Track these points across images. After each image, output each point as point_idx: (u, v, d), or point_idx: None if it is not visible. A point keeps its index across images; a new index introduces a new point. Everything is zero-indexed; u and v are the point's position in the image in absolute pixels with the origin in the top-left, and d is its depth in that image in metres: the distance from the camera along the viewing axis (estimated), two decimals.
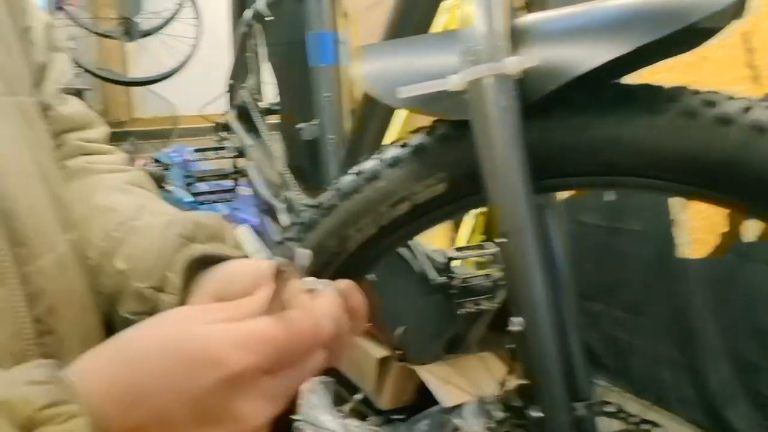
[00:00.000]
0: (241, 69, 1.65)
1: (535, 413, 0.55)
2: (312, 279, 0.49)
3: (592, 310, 1.74)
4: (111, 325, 0.63)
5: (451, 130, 0.59)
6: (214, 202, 1.55)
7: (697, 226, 1.48)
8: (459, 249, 1.11)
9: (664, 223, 1.53)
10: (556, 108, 0.53)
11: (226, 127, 1.62)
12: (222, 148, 1.45)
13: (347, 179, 0.64)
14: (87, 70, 2.95)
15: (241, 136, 1.49)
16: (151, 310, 0.54)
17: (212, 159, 1.42)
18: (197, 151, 1.40)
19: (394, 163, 0.61)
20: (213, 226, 0.60)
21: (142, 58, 3.26)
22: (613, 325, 1.68)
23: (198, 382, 0.37)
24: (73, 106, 0.74)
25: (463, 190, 0.59)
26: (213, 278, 0.54)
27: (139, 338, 0.40)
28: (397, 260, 1.23)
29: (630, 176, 0.52)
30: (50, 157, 0.62)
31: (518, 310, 0.54)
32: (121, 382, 0.37)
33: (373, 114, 0.95)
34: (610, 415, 0.68)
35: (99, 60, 3.24)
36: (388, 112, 0.97)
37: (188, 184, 1.37)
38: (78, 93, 3.32)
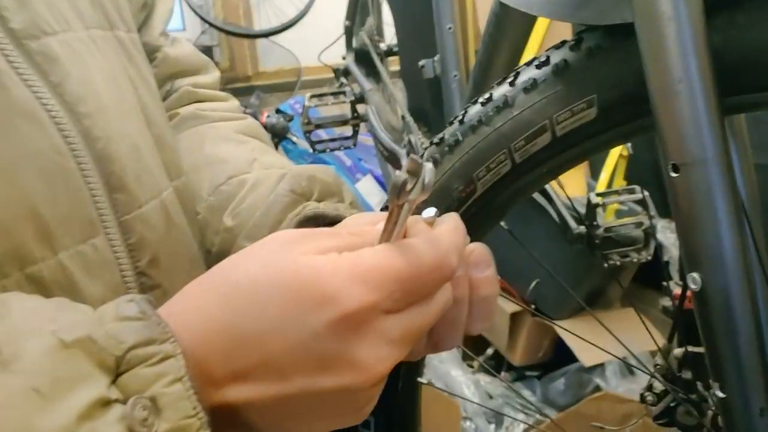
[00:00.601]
0: (358, 9, 1.57)
1: (718, 392, 0.44)
2: (430, 209, 0.39)
3: None
4: None
5: (605, 39, 0.47)
6: (334, 149, 1.48)
7: None
8: (601, 194, 0.97)
9: None
10: None
11: (346, 73, 1.55)
12: (341, 93, 1.37)
13: (474, 110, 0.54)
14: (212, 25, 2.99)
15: (360, 80, 1.41)
16: None
17: (330, 105, 1.36)
18: (313, 96, 1.33)
19: (531, 86, 0.50)
20: (328, 182, 0.54)
21: (266, 10, 3.27)
22: None
23: (308, 322, 0.31)
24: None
25: (618, 115, 0.48)
26: None
27: (240, 271, 0.34)
28: (531, 206, 1.12)
29: None
30: (155, 97, 0.57)
31: (698, 264, 0.42)
32: (220, 320, 0.32)
33: (503, 38, 0.83)
34: None
35: (224, 15, 3.29)
36: (522, 34, 0.84)
37: (306, 132, 1.31)
38: (206, 49, 3.44)
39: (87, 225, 0.43)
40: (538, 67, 0.50)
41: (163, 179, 0.53)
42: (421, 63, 1.09)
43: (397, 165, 1.21)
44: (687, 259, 0.43)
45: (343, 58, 1.59)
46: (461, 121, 0.55)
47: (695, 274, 0.42)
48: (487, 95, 0.53)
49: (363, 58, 1.49)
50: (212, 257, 0.55)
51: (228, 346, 0.31)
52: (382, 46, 1.44)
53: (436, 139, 0.57)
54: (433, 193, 0.56)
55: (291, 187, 0.52)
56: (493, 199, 0.55)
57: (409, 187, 0.32)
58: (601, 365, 1.59)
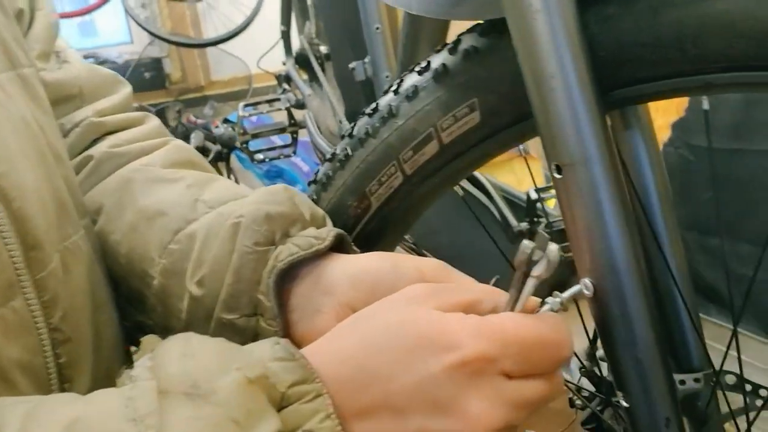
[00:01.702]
0: (297, 13, 1.53)
1: (622, 402, 0.41)
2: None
3: (712, 245, 1.52)
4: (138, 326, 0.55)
5: (480, 40, 0.44)
6: (273, 159, 1.44)
7: None
8: (541, 189, 0.95)
9: None
10: None
11: (288, 79, 1.52)
12: (276, 100, 1.34)
13: (362, 122, 0.52)
14: (158, 37, 2.93)
15: (299, 85, 1.38)
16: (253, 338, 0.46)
17: (265, 113, 1.32)
18: (247, 105, 1.29)
19: (413, 93, 0.48)
20: (285, 213, 0.48)
21: (213, 19, 3.21)
22: (738, 261, 1.46)
23: (429, 365, 0.34)
24: (70, 71, 0.60)
25: (503, 118, 0.45)
26: (336, 283, 0.46)
27: (377, 319, 0.37)
28: (473, 205, 1.10)
29: (739, 71, 0.36)
30: (59, 134, 0.53)
31: (588, 268, 0.40)
32: (355, 359, 0.35)
33: (419, 36, 0.81)
34: (730, 388, 0.53)
35: (171, 26, 3.24)
36: (438, 30, 0.82)
37: (242, 143, 1.27)
38: (156, 61, 3.39)
39: (7, 288, 0.41)
40: (419, 73, 0.48)
41: (74, 223, 0.49)
42: (351, 65, 1.07)
43: None
44: (578, 264, 0.41)
45: (284, 64, 1.55)
46: (351, 135, 0.52)
47: (587, 280, 0.40)
48: (373, 106, 0.51)
49: (303, 62, 1.46)
50: (182, 324, 0.49)
51: (358, 383, 0.34)
52: (322, 49, 1.41)
53: (328, 155, 0.54)
54: (329, 211, 0.54)
55: (252, 240, 0.46)
56: (390, 213, 0.53)
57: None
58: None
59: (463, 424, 0.33)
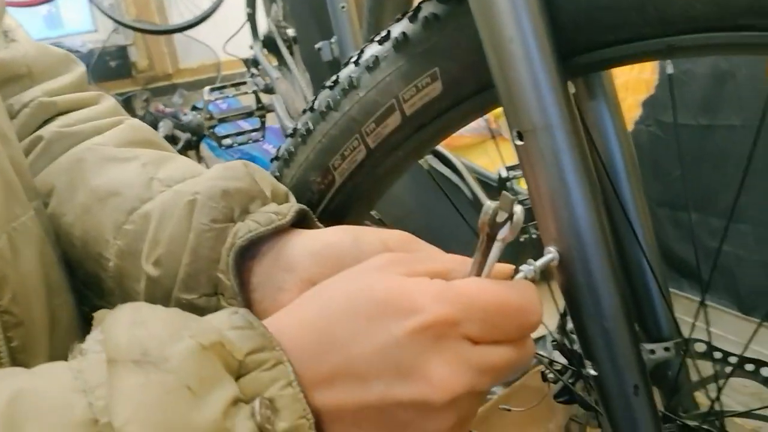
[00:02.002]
0: None
1: (590, 371, 0.41)
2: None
3: (684, 220, 1.54)
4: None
5: (439, 6, 0.43)
6: (242, 144, 1.42)
7: None
8: (512, 167, 0.94)
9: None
10: None
11: (256, 63, 1.49)
12: (243, 83, 1.31)
13: (323, 95, 0.50)
14: (122, 24, 2.86)
15: (267, 69, 1.35)
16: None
17: (232, 97, 1.29)
18: (213, 90, 1.26)
19: (374, 64, 0.47)
20: (243, 188, 0.46)
21: (179, 5, 3.14)
22: (710, 235, 1.47)
23: (390, 329, 0.33)
24: (17, 50, 0.57)
25: (465, 88, 0.44)
26: (298, 260, 0.44)
27: (337, 287, 0.36)
28: (444, 183, 1.09)
29: (701, 32, 0.36)
30: (4, 111, 0.51)
31: (552, 236, 0.39)
32: (314, 327, 0.34)
33: (383, 12, 0.80)
34: (700, 356, 0.53)
35: (136, 13, 3.16)
36: (402, 4, 0.80)
37: (209, 128, 1.24)
38: (121, 49, 3.32)
39: None
40: (379, 43, 0.47)
41: (23, 204, 0.47)
42: (318, 46, 1.05)
43: None
44: (542, 232, 0.40)
45: (251, 48, 1.52)
46: (312, 109, 0.51)
47: (551, 248, 0.39)
48: (333, 78, 0.49)
49: (271, 46, 1.43)
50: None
51: (318, 350, 0.33)
52: (290, 32, 1.39)
53: (289, 130, 0.53)
54: (291, 188, 0.53)
55: (209, 217, 0.45)
56: (354, 188, 0.52)
57: (499, 219, 0.35)
58: (542, 337, 1.57)
59: (425, 388, 0.33)
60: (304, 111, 0.51)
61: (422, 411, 0.33)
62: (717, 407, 0.51)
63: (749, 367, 0.50)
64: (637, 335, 0.40)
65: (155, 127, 2.13)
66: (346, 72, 0.48)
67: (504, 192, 0.35)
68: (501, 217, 0.35)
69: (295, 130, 0.52)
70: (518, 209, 0.35)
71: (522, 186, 1.42)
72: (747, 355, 0.51)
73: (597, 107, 0.52)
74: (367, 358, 0.33)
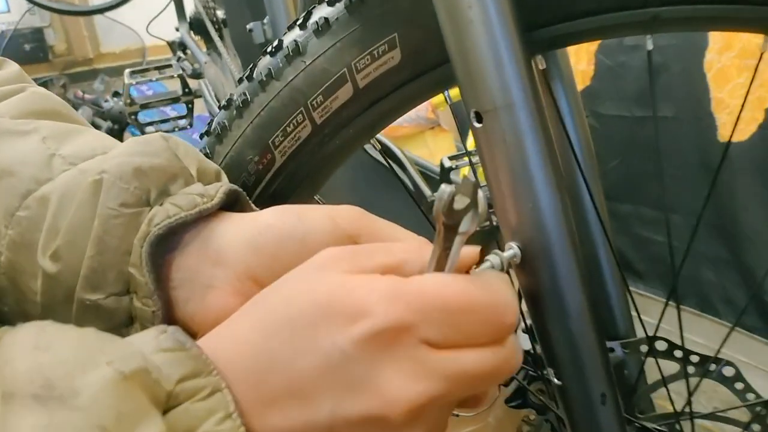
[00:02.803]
0: None
1: (553, 379, 0.37)
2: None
3: (620, 212, 1.55)
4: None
5: None
6: (168, 132, 1.33)
7: (741, 103, 1.25)
8: (454, 157, 0.90)
9: (700, 105, 1.31)
10: None
11: (183, 46, 1.41)
12: (167, 66, 1.21)
13: (263, 62, 0.45)
14: (38, 4, 2.66)
15: (195, 52, 1.27)
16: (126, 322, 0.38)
17: (155, 80, 1.20)
18: (134, 73, 1.15)
19: (323, 27, 0.41)
20: (161, 165, 0.39)
21: None
22: (644, 226, 1.49)
23: (336, 340, 0.28)
24: None
25: (426, 57, 0.40)
26: (230, 249, 0.37)
27: (276, 293, 0.32)
28: (385, 174, 1.04)
29: (688, 4, 0.33)
30: None
31: (514, 230, 0.35)
32: (252, 344, 0.30)
33: None
34: (661, 354, 0.50)
35: None
36: None
37: (131, 114, 1.13)
38: (36, 31, 3.11)
39: None
40: (329, 3, 0.41)
41: None
42: (249, 26, 0.98)
43: None
44: (502, 226, 0.36)
45: (176, 30, 1.43)
46: (249, 77, 0.45)
47: (513, 243, 0.35)
48: (276, 43, 0.44)
49: (199, 28, 1.35)
50: (38, 308, 0.40)
51: (257, 371, 0.29)
52: (219, 13, 1.31)
53: (223, 102, 0.47)
54: (225, 168, 0.47)
55: (118, 201, 0.37)
56: (298, 169, 0.46)
57: (457, 206, 0.29)
58: None
59: (378, 402, 0.28)
60: (241, 80, 0.46)
61: (378, 428, 0.29)
62: (680, 409, 0.49)
63: (712, 366, 0.48)
64: (604, 339, 0.36)
65: None
66: (291, 36, 0.43)
67: (465, 176, 0.30)
68: (460, 203, 0.30)
69: (229, 101, 0.46)
70: (482, 195, 0.30)
71: (463, 175, 1.39)
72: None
73: (555, 88, 0.48)
74: (310, 374, 0.29)
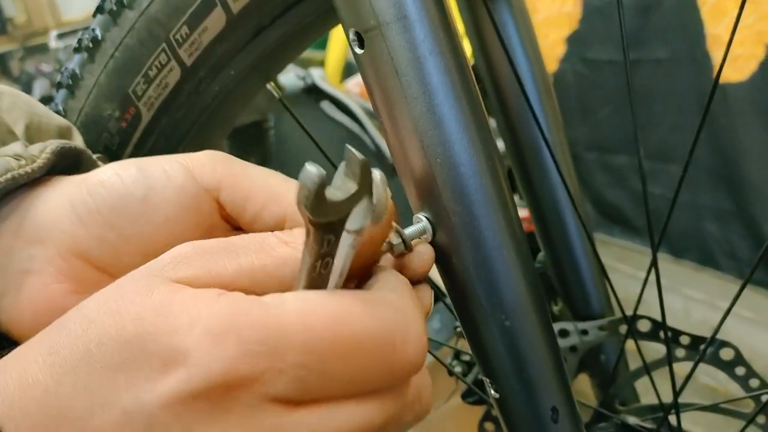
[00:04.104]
0: None
1: (491, 392, 0.28)
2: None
3: (615, 164, 1.45)
4: None
5: None
6: None
7: (739, 39, 1.14)
8: None
9: (695, 43, 1.20)
10: None
11: None
12: None
13: None
14: None
15: None
16: None
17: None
18: (62, 36, 1.02)
19: None
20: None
21: None
22: (638, 178, 1.39)
23: (141, 396, 0.20)
24: None
25: None
26: (51, 222, 0.28)
27: (76, 315, 0.22)
28: (346, 135, 0.95)
29: None
30: None
31: (417, 197, 0.26)
32: (40, 385, 0.21)
33: None
34: (644, 336, 0.41)
35: None
36: None
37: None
38: None
39: None
40: None
41: None
42: None
43: None
44: (410, 195, 0.26)
45: None
46: (100, 9, 0.35)
47: (421, 215, 0.26)
48: None
49: None
50: None
51: (44, 424, 0.21)
52: None
53: (75, 44, 0.37)
54: (80, 127, 0.37)
55: None
56: (175, 126, 0.36)
57: (335, 195, 0.20)
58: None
59: None
60: (95, 13, 0.36)
61: None
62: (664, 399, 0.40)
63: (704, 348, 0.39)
64: (554, 337, 0.27)
65: (29, 87, 1.86)
66: None
67: (348, 147, 0.20)
68: (343, 190, 0.20)
69: (79, 41, 0.36)
70: (378, 177, 0.21)
71: None
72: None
73: (499, 11, 0.38)
74: None
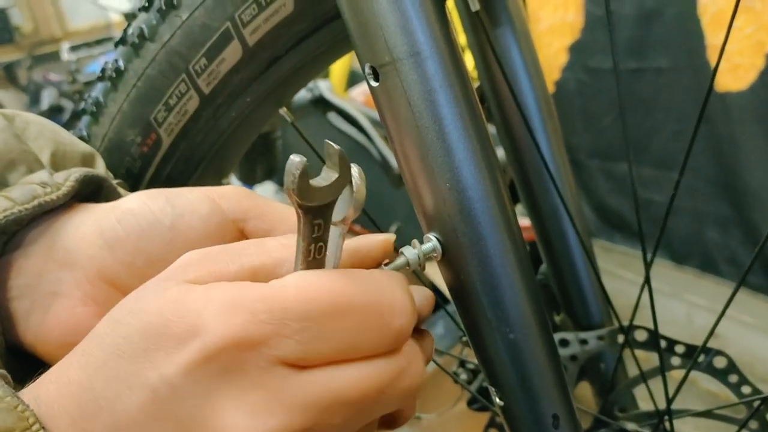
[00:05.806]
0: None
1: (496, 400, 0.30)
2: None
3: (617, 172, 1.46)
4: None
5: None
6: None
7: (739, 49, 1.16)
8: None
9: (696, 53, 1.22)
10: None
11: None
12: (109, 39, 1.11)
13: (138, 20, 0.37)
14: None
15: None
16: None
17: (97, 56, 1.10)
18: (73, 49, 1.05)
19: None
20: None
21: None
22: (642, 185, 1.40)
23: (162, 368, 0.22)
24: None
25: (323, 3, 0.32)
26: (80, 247, 0.30)
27: (107, 318, 0.25)
28: (352, 146, 0.97)
29: None
30: None
31: (433, 220, 0.28)
32: (75, 385, 0.23)
33: None
34: (641, 345, 0.43)
35: None
36: None
37: (74, 93, 1.04)
38: (0, 12, 2.98)
39: None
40: None
41: None
42: None
43: None
44: (420, 216, 0.28)
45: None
46: (123, 40, 0.37)
47: (431, 234, 0.27)
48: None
49: None
50: None
51: (80, 416, 0.23)
52: None
53: (99, 72, 0.39)
54: (103, 152, 0.39)
55: None
56: (193, 150, 0.38)
57: (319, 182, 0.23)
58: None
59: None
60: (116, 44, 0.38)
61: None
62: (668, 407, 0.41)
63: (699, 357, 0.41)
64: (555, 348, 0.29)
65: (37, 96, 1.87)
66: None
67: (328, 142, 0.23)
68: (326, 179, 0.23)
69: (103, 71, 0.38)
70: (357, 172, 0.24)
71: None
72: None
73: (502, 36, 0.40)
74: (136, 417, 0.23)
